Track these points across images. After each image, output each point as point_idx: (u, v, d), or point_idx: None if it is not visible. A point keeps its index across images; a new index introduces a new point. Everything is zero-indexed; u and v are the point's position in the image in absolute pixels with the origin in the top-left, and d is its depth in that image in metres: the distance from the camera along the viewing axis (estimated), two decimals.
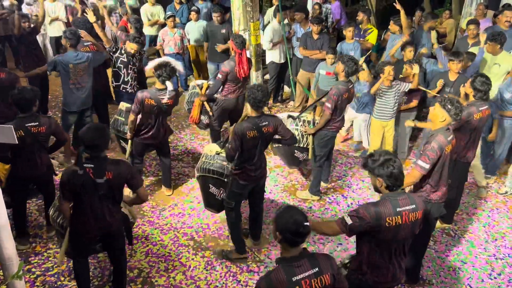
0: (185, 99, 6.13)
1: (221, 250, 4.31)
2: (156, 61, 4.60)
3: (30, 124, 3.96)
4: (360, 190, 5.41)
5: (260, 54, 6.99)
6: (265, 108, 3.97)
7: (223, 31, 7.25)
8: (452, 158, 3.92)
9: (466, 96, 4.55)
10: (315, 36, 6.80)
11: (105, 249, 3.61)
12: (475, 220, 4.90)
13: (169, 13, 7.87)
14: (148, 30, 8.36)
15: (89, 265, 3.73)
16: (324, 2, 9.34)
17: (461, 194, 4.79)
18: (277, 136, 4.04)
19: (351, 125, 6.46)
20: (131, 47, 5.58)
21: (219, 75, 5.45)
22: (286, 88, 8.24)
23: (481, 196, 5.26)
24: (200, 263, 4.21)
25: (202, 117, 5.82)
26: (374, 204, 2.71)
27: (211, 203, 4.49)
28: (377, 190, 2.86)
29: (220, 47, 7.21)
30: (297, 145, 4.91)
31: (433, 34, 7.11)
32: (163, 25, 8.13)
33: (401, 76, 5.59)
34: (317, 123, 4.90)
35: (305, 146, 5.00)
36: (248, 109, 3.94)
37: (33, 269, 4.07)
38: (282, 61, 7.42)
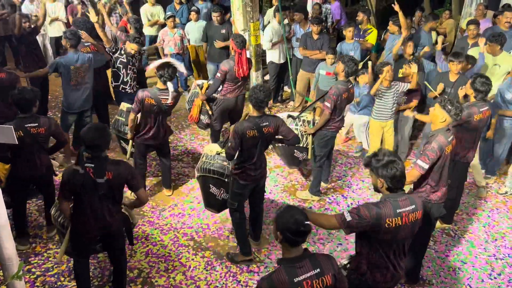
0: (186, 99, 6.15)
1: (227, 252, 4.30)
2: (159, 62, 4.61)
3: (29, 125, 3.96)
4: (360, 190, 5.41)
5: (260, 54, 7.00)
6: (265, 108, 3.97)
7: (223, 31, 7.24)
8: (452, 158, 3.93)
9: (465, 97, 4.55)
10: (315, 36, 6.80)
11: (105, 249, 3.61)
12: (475, 220, 4.90)
13: (169, 13, 7.86)
14: (148, 31, 8.36)
15: (89, 266, 3.73)
16: (324, 2, 9.35)
17: (461, 194, 4.79)
18: (279, 136, 4.04)
19: (351, 126, 6.46)
20: (131, 47, 5.58)
21: (218, 74, 5.46)
22: (286, 88, 8.25)
23: (480, 196, 5.27)
24: (200, 263, 4.21)
25: (202, 117, 5.84)
26: (375, 204, 2.71)
27: (211, 203, 4.49)
28: (376, 190, 2.86)
29: (218, 44, 7.20)
30: (296, 144, 4.91)
31: (433, 34, 7.11)
32: (163, 26, 8.13)
33: (401, 71, 5.54)
34: (316, 123, 4.91)
35: (304, 146, 5.00)
36: (249, 108, 3.94)
37: (33, 270, 4.07)
38: (282, 61, 7.42)
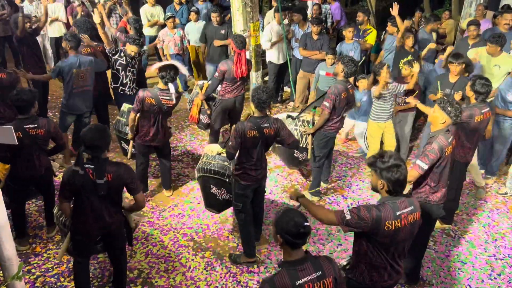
0: (187, 99, 6.17)
1: (230, 253, 4.30)
2: (162, 63, 4.64)
3: (28, 126, 3.95)
4: (360, 191, 5.41)
5: (260, 55, 7.00)
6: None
7: (222, 32, 7.23)
8: (452, 159, 3.92)
9: (462, 99, 4.55)
10: (315, 37, 6.80)
11: (106, 249, 3.61)
12: (475, 220, 4.90)
13: (168, 13, 7.86)
14: (147, 31, 8.36)
15: (89, 266, 3.73)
16: (323, 2, 9.35)
17: (460, 195, 4.79)
18: (278, 139, 4.03)
19: (353, 126, 6.45)
20: (131, 49, 5.55)
21: (216, 73, 5.47)
22: (286, 88, 8.25)
23: (480, 197, 5.27)
24: (200, 264, 4.21)
25: (202, 117, 5.86)
26: (376, 206, 2.70)
27: (212, 204, 4.49)
28: (375, 190, 2.85)
29: (217, 42, 7.19)
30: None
31: (434, 35, 7.12)
32: (163, 26, 8.13)
33: (402, 66, 5.52)
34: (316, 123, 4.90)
35: (304, 146, 5.00)
36: (251, 108, 3.95)
37: (33, 270, 4.07)
38: (281, 61, 7.42)
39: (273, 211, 4.97)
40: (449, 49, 5.69)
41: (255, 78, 7.05)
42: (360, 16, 7.46)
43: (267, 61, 7.55)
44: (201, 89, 5.71)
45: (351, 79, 4.97)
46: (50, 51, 8.83)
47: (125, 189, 3.36)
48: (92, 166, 3.15)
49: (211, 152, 4.41)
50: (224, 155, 4.11)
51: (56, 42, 8.68)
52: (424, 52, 6.38)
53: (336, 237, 4.57)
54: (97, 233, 3.37)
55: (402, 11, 6.21)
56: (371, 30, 7.43)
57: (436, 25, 7.15)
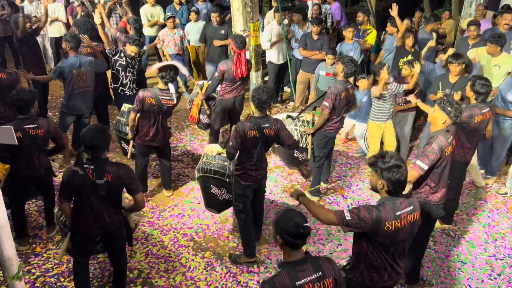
0: (187, 99, 6.17)
1: (230, 254, 4.30)
2: (163, 64, 4.64)
3: (28, 126, 3.95)
4: (360, 191, 5.41)
5: (260, 55, 7.00)
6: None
7: (222, 32, 7.23)
8: (452, 159, 3.92)
9: (462, 100, 4.54)
10: (315, 37, 6.80)
11: (105, 250, 3.61)
12: (475, 220, 4.90)
13: (168, 14, 7.86)
14: (147, 31, 8.36)
15: (89, 267, 3.73)
16: (323, 2, 9.35)
17: (459, 195, 4.79)
18: (278, 140, 4.03)
19: (353, 126, 6.45)
20: (131, 50, 5.54)
21: (216, 73, 5.48)
22: (286, 88, 8.25)
23: (480, 197, 5.27)
24: (200, 264, 4.21)
25: (202, 117, 5.86)
26: (376, 207, 2.70)
27: (212, 204, 4.49)
28: (374, 190, 2.85)
29: (217, 42, 7.19)
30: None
31: (434, 35, 7.12)
32: (163, 26, 8.13)
33: (402, 66, 5.52)
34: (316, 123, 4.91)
35: (304, 146, 5.00)
36: (251, 108, 3.95)
37: (33, 270, 4.07)
38: (281, 61, 7.42)
39: (273, 211, 4.97)
40: (450, 51, 5.69)
41: (255, 78, 7.05)
42: (360, 16, 7.46)
43: (267, 61, 7.55)
44: (201, 89, 5.71)
45: (351, 79, 4.97)
46: (50, 51, 8.84)
47: (124, 189, 3.36)
48: (92, 167, 3.15)
49: (211, 152, 4.41)
50: (224, 155, 4.11)
51: (56, 42, 8.68)
52: (424, 50, 6.38)
53: (336, 237, 4.57)
54: (97, 233, 3.38)
55: (402, 11, 6.21)
56: (371, 30, 7.43)
57: (436, 25, 7.15)
